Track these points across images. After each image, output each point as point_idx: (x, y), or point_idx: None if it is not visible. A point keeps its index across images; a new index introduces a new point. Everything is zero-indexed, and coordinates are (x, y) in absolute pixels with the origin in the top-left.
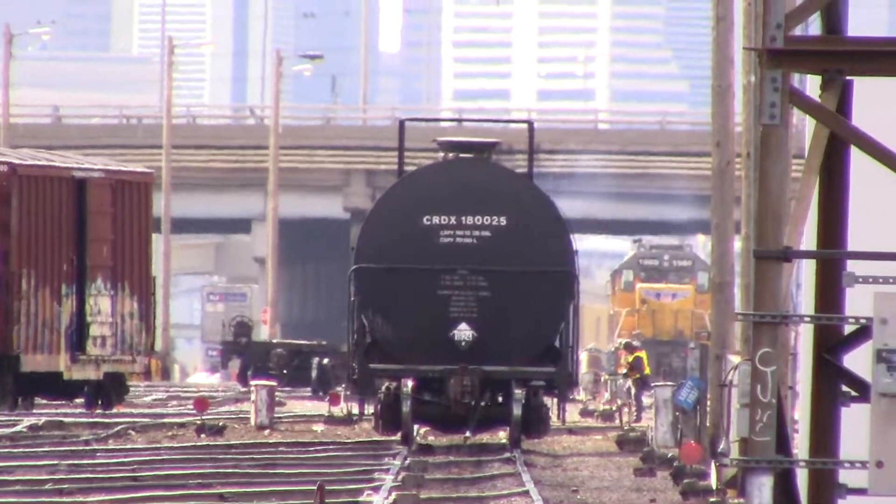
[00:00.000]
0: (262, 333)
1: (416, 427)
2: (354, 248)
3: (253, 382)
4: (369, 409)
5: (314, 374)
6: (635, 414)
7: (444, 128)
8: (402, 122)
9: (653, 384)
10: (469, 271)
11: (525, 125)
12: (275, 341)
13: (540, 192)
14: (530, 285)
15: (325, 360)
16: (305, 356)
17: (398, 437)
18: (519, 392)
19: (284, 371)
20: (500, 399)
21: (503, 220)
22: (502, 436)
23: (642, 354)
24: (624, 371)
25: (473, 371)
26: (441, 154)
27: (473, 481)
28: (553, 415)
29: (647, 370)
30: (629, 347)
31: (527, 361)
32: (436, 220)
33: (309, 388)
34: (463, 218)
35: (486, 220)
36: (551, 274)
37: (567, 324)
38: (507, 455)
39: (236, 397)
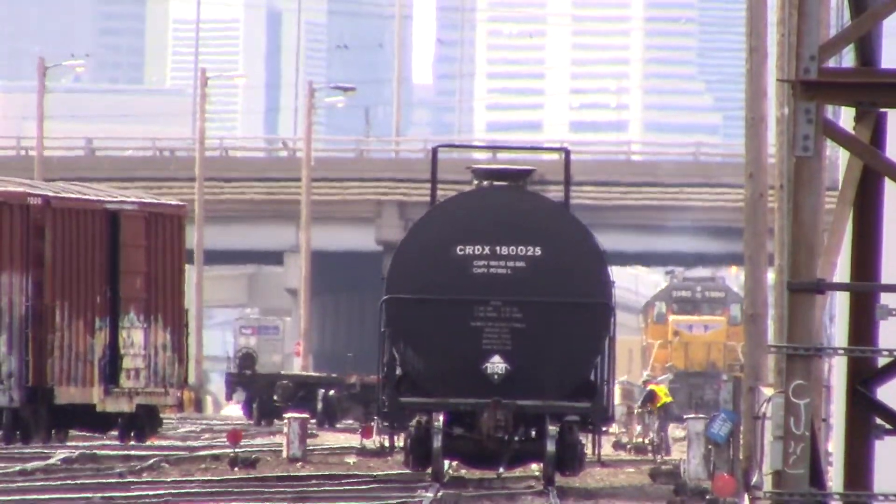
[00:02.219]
0: (296, 366)
1: (447, 462)
2: (385, 277)
3: (286, 415)
4: (400, 441)
5: (319, 405)
6: (655, 446)
7: (476, 159)
8: (434, 150)
9: (685, 416)
10: (503, 302)
11: (558, 155)
12: (281, 373)
13: (577, 221)
14: (566, 317)
15: (331, 392)
16: (311, 388)
17: (429, 472)
18: (553, 428)
19: (289, 403)
20: (534, 434)
21: (538, 251)
22: (535, 468)
23: (655, 387)
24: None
25: (507, 405)
26: (475, 182)
27: None
28: (587, 450)
29: (664, 400)
30: (646, 384)
31: (561, 396)
32: (469, 249)
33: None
34: (497, 248)
35: (521, 251)
36: (587, 306)
37: (603, 357)
38: (541, 488)
39: (270, 430)
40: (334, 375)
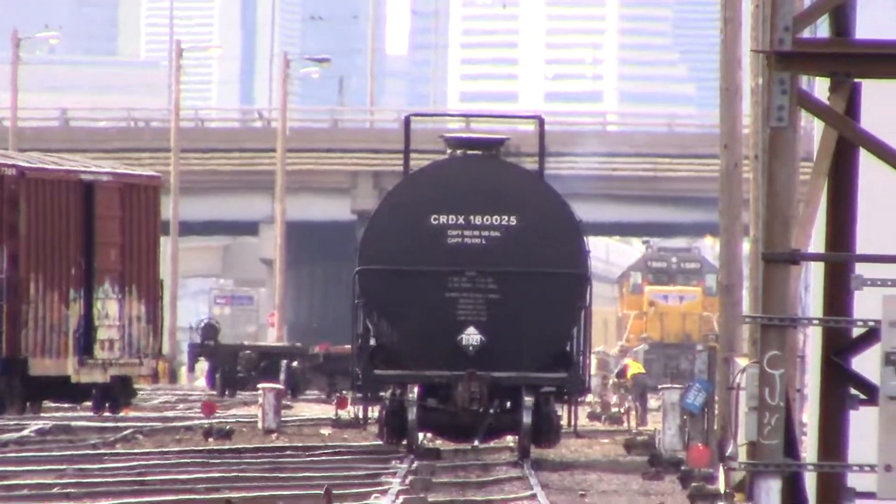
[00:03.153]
0: (270, 337)
1: (421, 434)
2: (358, 248)
3: (260, 386)
4: (374, 412)
5: (283, 376)
6: (625, 415)
7: (451, 130)
8: (407, 119)
9: (661, 387)
10: (478, 273)
11: (533, 125)
12: (244, 343)
13: (552, 190)
14: (541, 288)
15: (295, 363)
16: (274, 359)
17: (403, 444)
18: (529, 399)
19: (252, 373)
20: (510, 406)
21: (514, 220)
22: (510, 440)
23: (628, 360)
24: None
25: (482, 377)
26: (448, 152)
27: (481, 485)
28: (563, 421)
29: (633, 371)
30: (622, 351)
31: (537, 367)
32: (443, 219)
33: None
34: (472, 217)
35: (496, 220)
36: (563, 276)
37: (579, 328)
38: (516, 459)
39: (244, 401)
40: (298, 346)
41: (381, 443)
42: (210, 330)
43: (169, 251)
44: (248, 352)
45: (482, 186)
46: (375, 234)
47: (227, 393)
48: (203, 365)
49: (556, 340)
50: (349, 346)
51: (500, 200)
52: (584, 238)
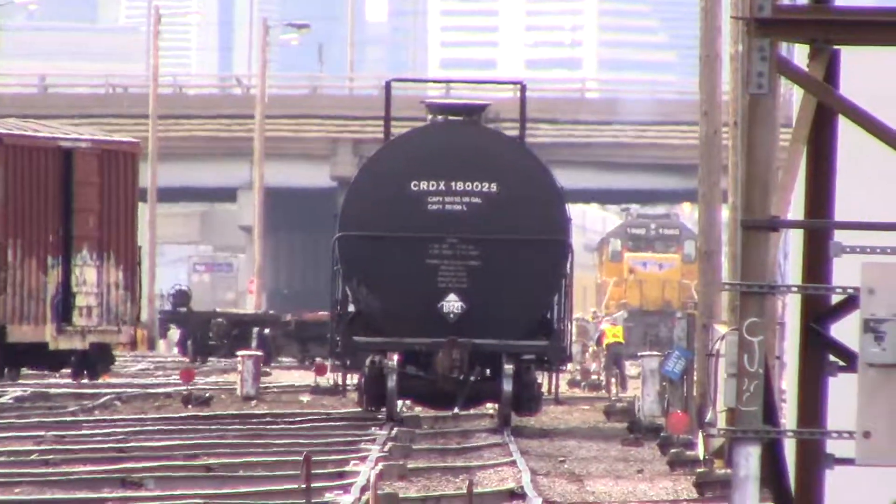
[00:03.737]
0: (249, 304)
1: (401, 402)
2: (338, 214)
3: (239, 353)
4: (353, 379)
5: (254, 343)
6: (602, 383)
7: (431, 96)
8: (388, 84)
9: (639, 353)
10: (459, 240)
11: (513, 92)
12: (216, 311)
13: (534, 156)
14: (523, 255)
15: (266, 330)
16: (246, 326)
17: (383, 413)
18: (509, 367)
19: (224, 341)
20: (490, 374)
21: (495, 187)
22: (490, 407)
23: (607, 327)
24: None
25: (462, 344)
26: (429, 118)
27: (460, 451)
28: (544, 388)
29: (609, 340)
30: (597, 320)
31: (518, 334)
32: (424, 185)
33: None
34: (453, 184)
35: (478, 187)
36: (545, 243)
37: (560, 295)
38: (496, 426)
39: (223, 368)
40: (270, 313)
41: (360, 410)
42: (181, 297)
43: (147, 218)
44: (219, 319)
45: (463, 152)
46: (355, 200)
47: (198, 360)
48: (176, 333)
49: (536, 308)
50: (322, 313)
51: (482, 167)
52: (566, 205)
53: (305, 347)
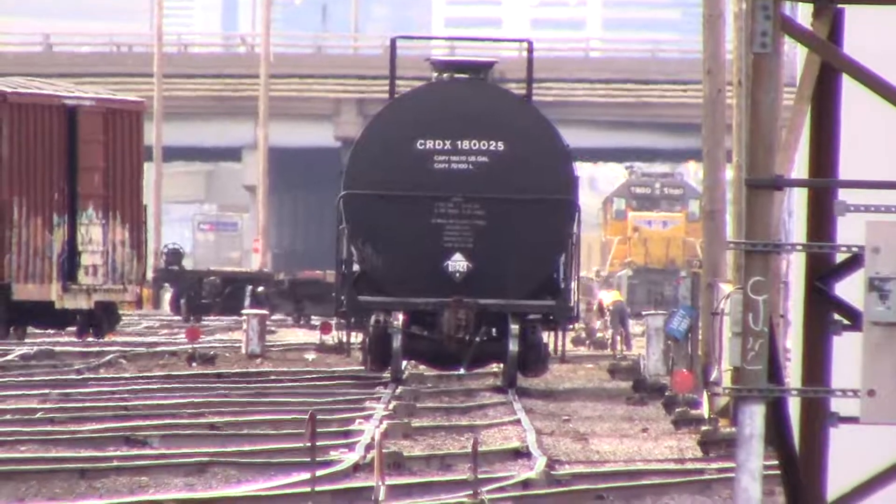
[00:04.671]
0: (254, 262)
1: (405, 362)
2: (343, 172)
3: (244, 312)
4: (356, 338)
5: (247, 302)
6: (608, 342)
7: (436, 55)
8: (393, 41)
9: (644, 312)
10: (464, 199)
11: (518, 52)
12: (210, 269)
13: (540, 115)
14: (529, 214)
15: (260, 289)
16: (239, 284)
17: (387, 373)
18: (515, 327)
19: (217, 299)
20: (496, 334)
21: (501, 146)
22: (495, 367)
23: (602, 294)
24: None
25: (468, 304)
26: (434, 76)
27: (465, 410)
28: (549, 347)
29: (609, 301)
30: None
31: (524, 294)
32: (430, 144)
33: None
34: (459, 142)
35: (484, 145)
36: (551, 202)
37: (567, 255)
38: (500, 383)
39: (228, 326)
40: (265, 271)
41: (364, 369)
42: (174, 255)
43: (152, 176)
44: (212, 278)
45: (469, 111)
46: (361, 159)
47: (191, 319)
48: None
49: (543, 268)
50: (318, 272)
51: (488, 125)
52: (573, 164)
53: (301, 305)
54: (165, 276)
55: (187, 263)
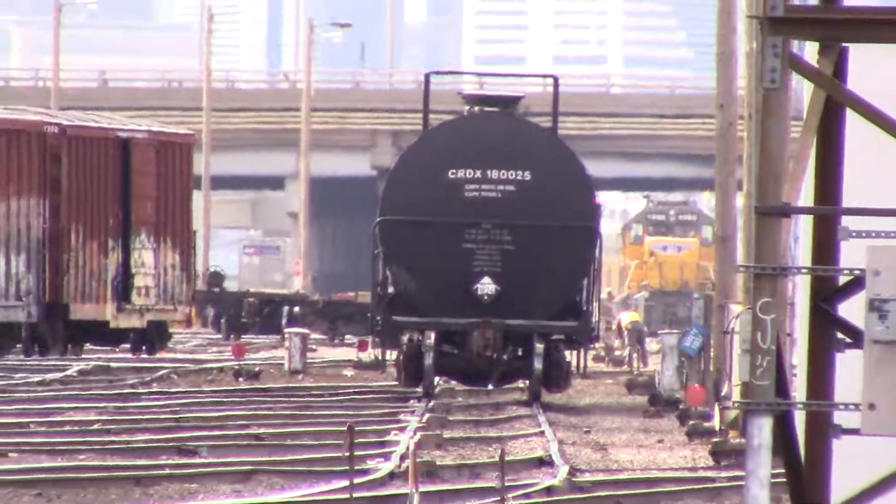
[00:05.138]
0: (296, 284)
1: (437, 378)
2: (379, 200)
3: (287, 330)
4: (391, 355)
5: (284, 321)
6: (626, 359)
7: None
8: (427, 76)
9: (659, 331)
10: (493, 225)
11: (542, 87)
12: (251, 290)
13: (565, 147)
14: (554, 240)
15: (296, 309)
16: (276, 305)
17: (420, 389)
18: (540, 346)
19: (256, 319)
20: (522, 352)
21: (528, 175)
22: (521, 383)
23: (621, 316)
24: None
25: (496, 325)
26: (466, 109)
27: (493, 423)
28: (572, 366)
29: (633, 319)
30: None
31: (548, 315)
32: (461, 173)
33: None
34: (488, 172)
35: (512, 175)
36: (575, 229)
37: (589, 279)
38: (526, 398)
39: (272, 344)
40: (300, 292)
41: (399, 384)
42: (215, 277)
43: (201, 204)
44: (251, 299)
45: (498, 142)
46: (395, 187)
47: (231, 337)
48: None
49: (566, 290)
50: (350, 294)
51: (516, 156)
52: (595, 193)
53: (334, 325)
54: (207, 297)
55: (234, 285)
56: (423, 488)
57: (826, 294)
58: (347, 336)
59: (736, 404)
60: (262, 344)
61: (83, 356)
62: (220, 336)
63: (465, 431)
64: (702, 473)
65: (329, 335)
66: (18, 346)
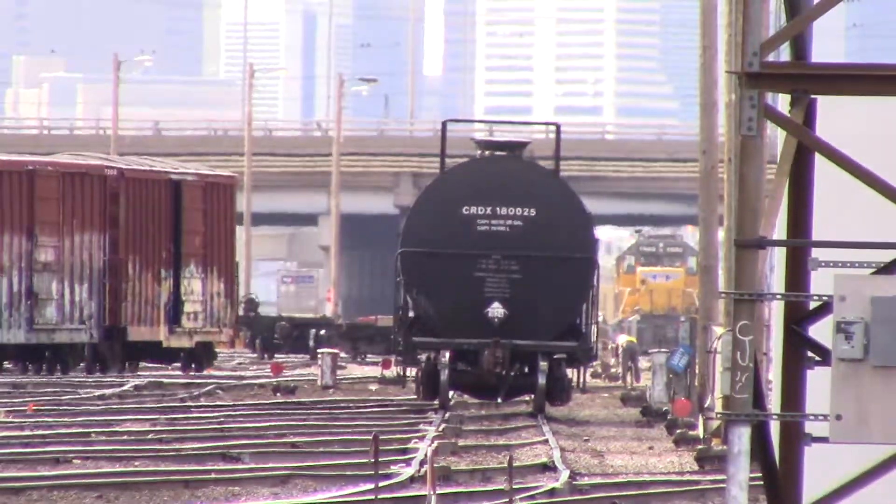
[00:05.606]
0: (328, 310)
1: (452, 392)
2: (401, 234)
3: (320, 351)
4: (411, 372)
5: (311, 343)
6: (621, 376)
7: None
8: (444, 123)
9: (650, 350)
10: (502, 256)
11: (545, 135)
12: (282, 315)
13: (566, 186)
14: (556, 270)
15: (322, 332)
16: (305, 328)
17: (437, 402)
18: (544, 364)
19: (287, 340)
20: (528, 370)
21: (533, 211)
22: (527, 398)
23: (619, 339)
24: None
25: (505, 345)
26: (478, 153)
27: (502, 432)
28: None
29: (624, 342)
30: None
31: (552, 336)
32: (474, 209)
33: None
34: (498, 208)
35: (519, 211)
36: (575, 260)
37: (588, 304)
38: (531, 411)
39: (306, 363)
40: (326, 316)
41: (418, 398)
42: (250, 304)
43: (243, 238)
44: (282, 322)
45: (507, 182)
46: (415, 222)
47: (265, 357)
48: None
49: (568, 314)
50: (371, 317)
51: (523, 194)
52: (594, 228)
53: (356, 346)
54: (243, 321)
55: (273, 310)
56: (439, 490)
57: (798, 317)
58: (369, 355)
59: (718, 415)
60: (295, 363)
61: (139, 373)
62: (255, 355)
63: (477, 440)
64: (688, 477)
65: (351, 354)
66: (82, 364)
